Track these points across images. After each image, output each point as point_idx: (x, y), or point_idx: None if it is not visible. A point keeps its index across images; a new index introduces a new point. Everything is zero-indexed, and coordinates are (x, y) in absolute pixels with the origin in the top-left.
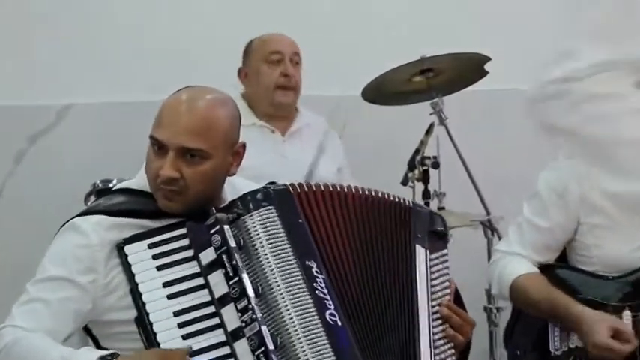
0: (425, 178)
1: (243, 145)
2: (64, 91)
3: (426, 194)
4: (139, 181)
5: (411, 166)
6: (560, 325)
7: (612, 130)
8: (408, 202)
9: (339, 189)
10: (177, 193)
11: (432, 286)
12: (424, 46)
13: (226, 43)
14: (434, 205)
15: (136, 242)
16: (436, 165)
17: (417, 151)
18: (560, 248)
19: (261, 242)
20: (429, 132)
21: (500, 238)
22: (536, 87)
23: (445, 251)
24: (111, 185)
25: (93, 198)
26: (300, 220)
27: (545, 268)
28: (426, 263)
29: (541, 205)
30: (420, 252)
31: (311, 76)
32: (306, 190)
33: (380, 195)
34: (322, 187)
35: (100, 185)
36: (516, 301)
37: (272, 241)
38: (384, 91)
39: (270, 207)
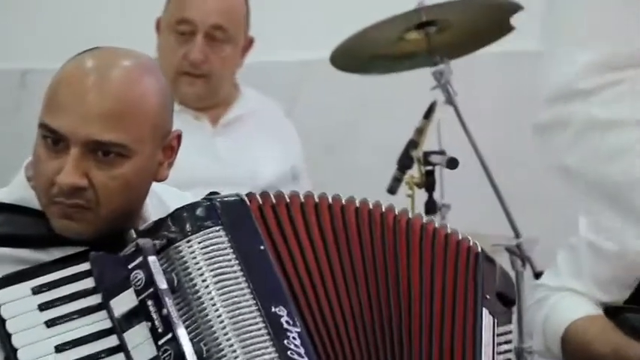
0: (428, 183)
1: (178, 136)
2: None
3: (431, 207)
4: (16, 190)
5: (404, 164)
6: None
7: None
8: (473, 243)
9: (340, 202)
10: (82, 208)
11: None
12: None
13: None
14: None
15: (13, 285)
16: (453, 162)
17: (411, 143)
18: (634, 284)
19: (204, 280)
20: (429, 114)
21: (533, 269)
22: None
23: (511, 327)
24: None
25: None
26: (262, 247)
27: (612, 312)
28: (493, 338)
29: None
30: (487, 319)
31: (259, 33)
32: (273, 201)
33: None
34: (302, 198)
35: None
36: (572, 355)
37: (220, 277)
38: (363, 54)
39: (216, 227)
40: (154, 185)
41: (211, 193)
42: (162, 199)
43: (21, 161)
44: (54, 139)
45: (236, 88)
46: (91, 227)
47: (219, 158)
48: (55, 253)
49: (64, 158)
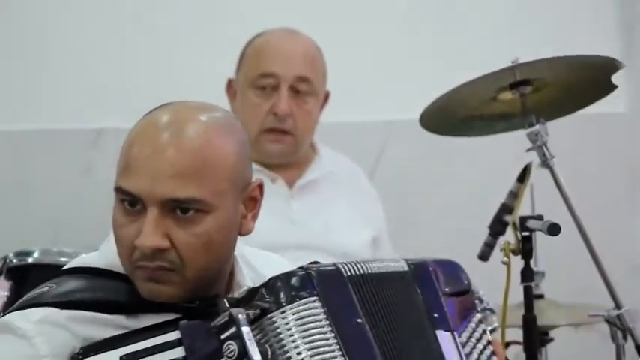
0: (525, 250)
1: (260, 186)
2: None
3: (528, 274)
4: (105, 255)
5: (496, 230)
6: None
7: None
8: (399, 262)
9: None
10: (167, 270)
11: None
12: (517, 48)
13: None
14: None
15: (101, 354)
16: (555, 228)
17: (504, 207)
18: None
19: (298, 353)
20: (524, 177)
21: (635, 341)
22: None
23: (477, 316)
24: (31, 259)
25: (5, 281)
26: (360, 320)
27: None
28: (459, 352)
29: None
30: (446, 339)
31: (340, 93)
32: (366, 271)
33: None
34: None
35: (14, 260)
36: None
37: (315, 351)
38: (454, 115)
39: (311, 298)
40: (243, 249)
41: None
42: (251, 261)
43: (90, 223)
44: (130, 202)
45: (313, 148)
46: (179, 289)
47: (295, 222)
48: (145, 321)
49: (143, 221)
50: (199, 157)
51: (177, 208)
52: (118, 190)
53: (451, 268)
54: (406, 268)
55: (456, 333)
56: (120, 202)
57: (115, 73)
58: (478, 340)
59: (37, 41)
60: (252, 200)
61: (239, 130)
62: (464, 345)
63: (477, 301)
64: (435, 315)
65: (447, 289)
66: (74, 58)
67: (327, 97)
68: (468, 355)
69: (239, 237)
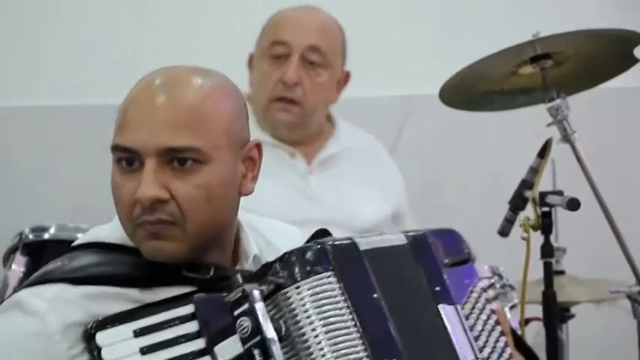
0: (545, 226)
1: (257, 145)
2: None
3: (547, 251)
4: (117, 230)
5: (516, 205)
6: None
7: None
8: (397, 235)
9: None
10: (168, 224)
11: (481, 349)
12: (538, 21)
13: None
14: None
15: (115, 327)
16: (574, 204)
17: (524, 183)
18: None
19: (313, 329)
20: (544, 152)
21: None
22: None
23: (479, 285)
24: (48, 235)
25: (21, 257)
26: (375, 295)
27: None
28: (462, 325)
29: None
30: (449, 313)
31: (360, 69)
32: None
33: None
34: None
35: (30, 236)
36: None
37: (331, 327)
38: (474, 90)
39: (327, 273)
40: (253, 219)
41: (320, 232)
42: (261, 230)
43: (110, 199)
44: (128, 159)
45: (332, 123)
46: (180, 246)
47: (313, 198)
48: (159, 294)
49: (141, 176)
50: (195, 111)
51: (175, 160)
52: (115, 148)
53: (450, 238)
54: (405, 241)
55: (458, 306)
56: (117, 163)
57: (132, 46)
58: (481, 310)
59: (61, 15)
60: (250, 160)
61: (236, 93)
62: (467, 317)
63: (477, 269)
64: (437, 288)
65: (447, 261)
66: (94, 31)
67: (347, 77)
68: (472, 327)
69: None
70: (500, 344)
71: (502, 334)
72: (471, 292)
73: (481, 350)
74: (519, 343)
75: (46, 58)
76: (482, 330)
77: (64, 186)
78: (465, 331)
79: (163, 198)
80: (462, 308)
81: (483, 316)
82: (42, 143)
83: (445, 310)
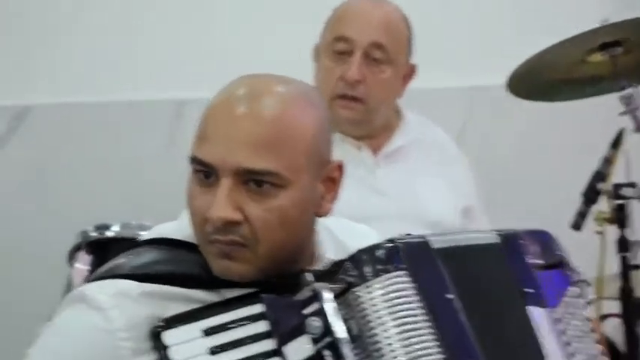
0: (619, 219)
1: (339, 166)
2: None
3: (623, 244)
4: (185, 226)
5: (589, 198)
6: None
7: None
8: (489, 234)
9: None
10: (239, 246)
11: (572, 355)
12: (606, 7)
13: None
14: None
15: (183, 326)
16: None
17: (598, 175)
18: None
19: (385, 330)
20: (617, 143)
21: None
22: None
23: (573, 290)
24: (111, 233)
25: (85, 255)
26: (450, 296)
27: None
28: (553, 329)
29: None
30: (539, 316)
31: (425, 60)
32: (455, 243)
33: None
34: None
35: (94, 234)
36: None
37: (403, 328)
38: (542, 79)
39: (400, 272)
40: (325, 220)
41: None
42: (334, 232)
43: (174, 196)
44: (205, 173)
45: (398, 115)
46: (251, 268)
47: (380, 191)
48: (226, 295)
49: (216, 193)
50: (276, 128)
51: (252, 181)
52: (193, 159)
53: (543, 239)
54: (496, 240)
55: (549, 309)
56: (195, 173)
57: (197, 42)
58: (574, 315)
59: (110, 11)
60: (331, 181)
61: (320, 106)
62: (558, 322)
63: (572, 274)
64: (526, 290)
65: (539, 262)
66: (157, 26)
67: (413, 70)
68: (562, 332)
69: None
70: (593, 352)
71: (596, 342)
72: (564, 296)
73: (572, 357)
74: (614, 353)
75: (108, 54)
76: (574, 336)
77: (127, 183)
78: (556, 335)
79: (236, 220)
80: (554, 312)
81: (576, 322)
82: (105, 140)
83: (534, 312)
